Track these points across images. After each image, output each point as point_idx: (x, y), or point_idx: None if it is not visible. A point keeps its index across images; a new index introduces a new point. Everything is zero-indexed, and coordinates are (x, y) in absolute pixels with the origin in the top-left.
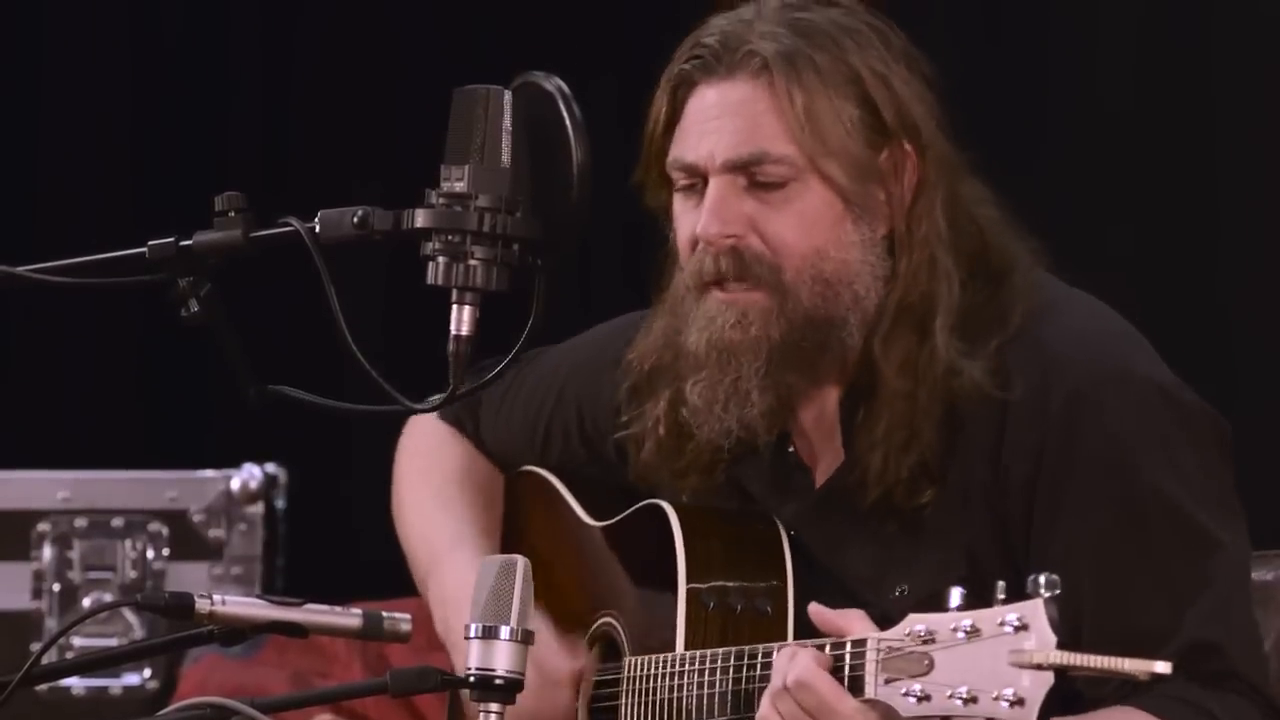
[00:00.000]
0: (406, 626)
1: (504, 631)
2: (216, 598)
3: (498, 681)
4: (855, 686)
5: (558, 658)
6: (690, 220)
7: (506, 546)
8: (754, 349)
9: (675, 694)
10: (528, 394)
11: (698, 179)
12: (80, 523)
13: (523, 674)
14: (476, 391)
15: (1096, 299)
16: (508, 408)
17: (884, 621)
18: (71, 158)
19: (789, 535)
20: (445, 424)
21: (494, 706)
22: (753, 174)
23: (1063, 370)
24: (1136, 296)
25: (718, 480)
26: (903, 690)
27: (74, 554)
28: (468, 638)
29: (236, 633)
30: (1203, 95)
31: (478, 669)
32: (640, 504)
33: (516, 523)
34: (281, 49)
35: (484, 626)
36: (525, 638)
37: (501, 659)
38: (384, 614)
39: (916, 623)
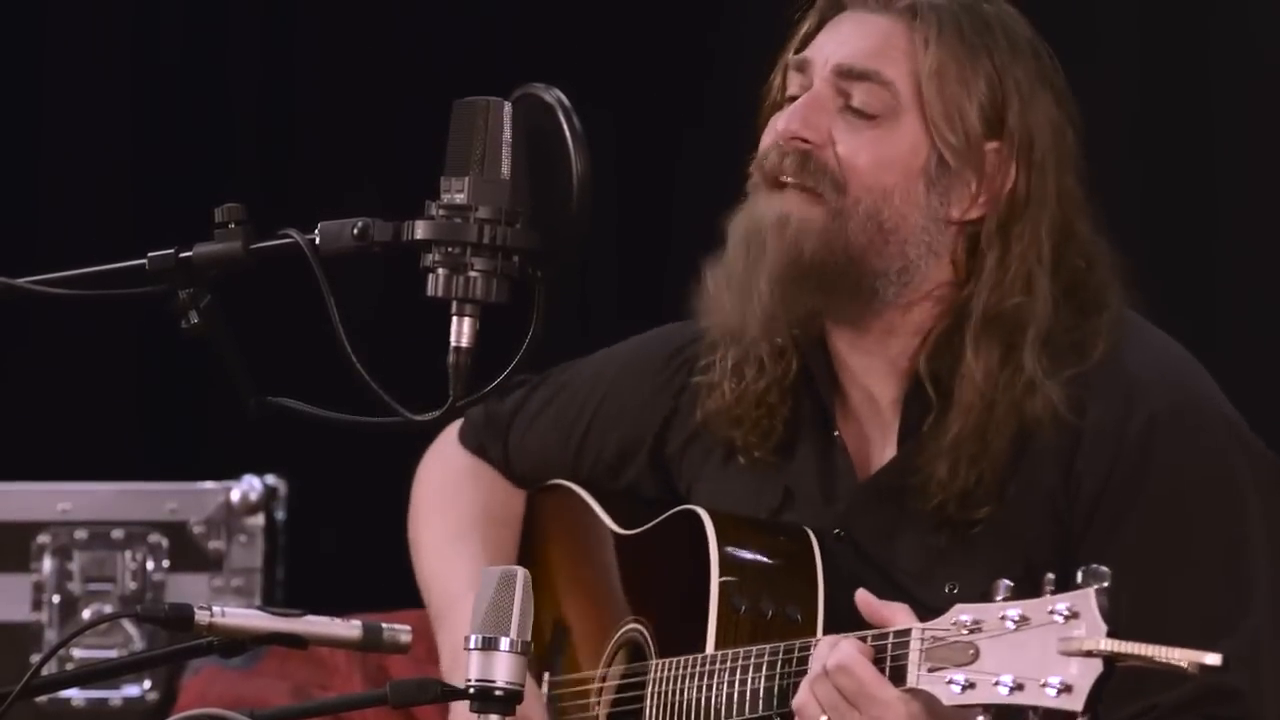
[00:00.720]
0: (406, 638)
1: (504, 643)
2: (216, 609)
3: (498, 693)
4: (897, 676)
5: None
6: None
7: (529, 561)
8: (782, 252)
9: (703, 694)
10: (565, 402)
11: (804, 86)
12: (80, 534)
13: (522, 685)
14: (476, 403)
15: (1171, 338)
16: (541, 420)
17: (930, 616)
18: (71, 169)
19: (835, 532)
20: (468, 451)
21: (494, 718)
22: (851, 95)
23: (1144, 394)
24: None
25: (772, 442)
26: (946, 679)
27: (74, 565)
28: (467, 649)
29: (236, 644)
30: (1202, 114)
31: (477, 680)
32: (674, 510)
33: (539, 538)
34: (281, 61)
35: (484, 638)
36: (524, 649)
37: (501, 670)
38: (384, 625)
39: (962, 612)
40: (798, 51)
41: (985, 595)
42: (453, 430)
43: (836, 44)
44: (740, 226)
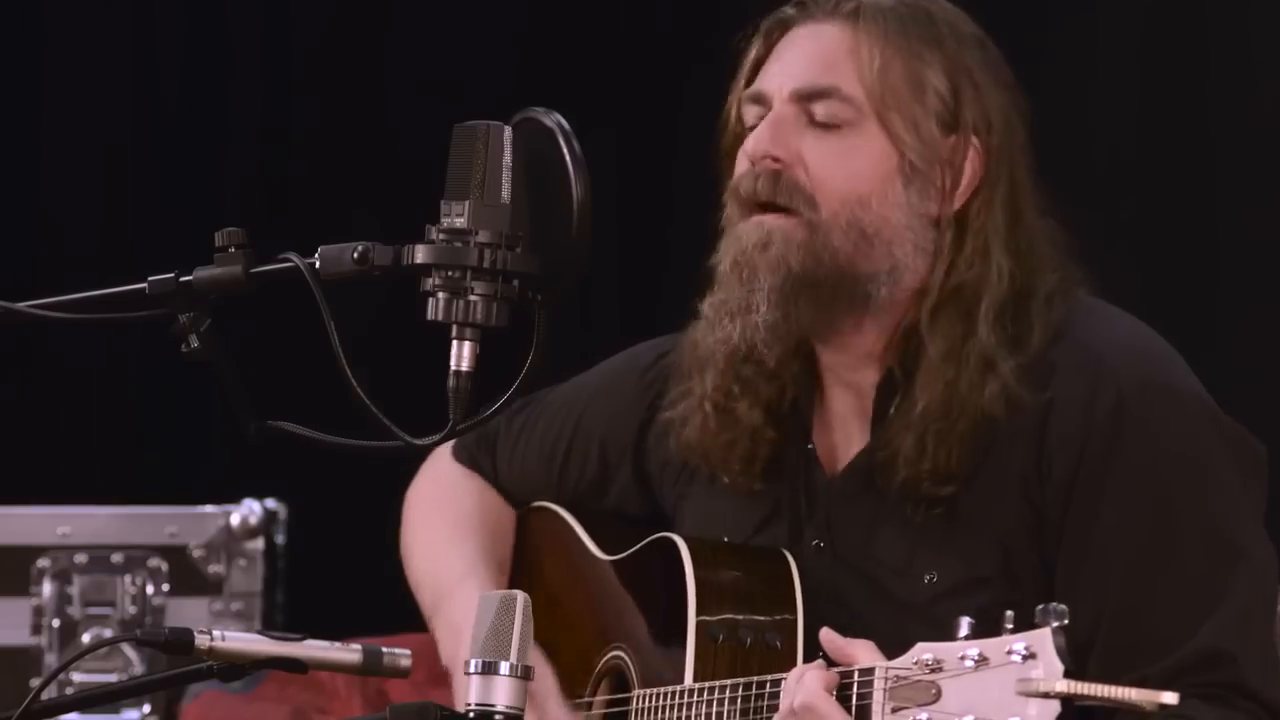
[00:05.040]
0: (406, 662)
1: (504, 667)
2: (216, 633)
3: (497, 717)
4: (863, 716)
5: (562, 695)
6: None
7: (516, 582)
8: (771, 268)
9: None
10: (546, 423)
11: (761, 115)
12: (80, 558)
13: (522, 709)
14: (476, 426)
15: (1137, 319)
16: (525, 438)
17: (911, 615)
18: (71, 193)
19: (815, 544)
20: (460, 465)
21: None
22: (813, 111)
23: (1112, 374)
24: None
25: (756, 469)
26: (910, 719)
27: (74, 589)
28: (467, 673)
29: (236, 668)
30: (1201, 136)
31: (477, 705)
32: (651, 537)
33: (527, 559)
34: (282, 84)
35: (484, 662)
36: (525, 673)
37: (501, 694)
38: (384, 649)
39: (924, 651)
40: (750, 81)
41: (968, 591)
42: (445, 447)
43: (789, 70)
44: (727, 256)
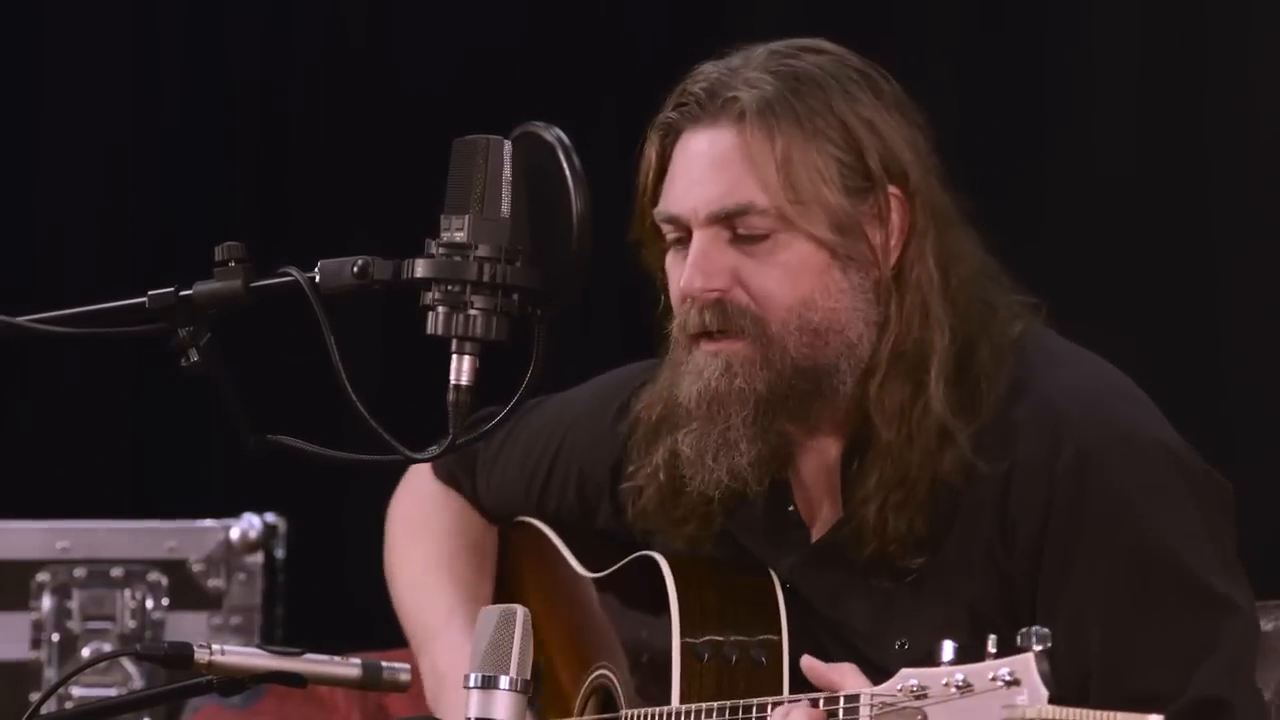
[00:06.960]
0: (405, 676)
1: (503, 681)
2: (216, 647)
3: None
4: None
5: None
6: (679, 274)
7: (500, 599)
8: (741, 399)
9: None
10: (525, 447)
11: (684, 232)
12: (79, 572)
13: None
14: (476, 441)
15: (1095, 354)
16: (504, 460)
17: (882, 675)
18: (71, 207)
19: (785, 586)
20: (439, 482)
21: None
22: (735, 226)
23: (1070, 428)
24: (1135, 345)
25: (714, 531)
26: None
27: (73, 604)
28: (467, 687)
29: (236, 682)
30: (1200, 158)
31: (477, 718)
32: (633, 555)
33: (511, 575)
34: (282, 98)
35: (483, 676)
36: (524, 687)
37: (501, 708)
38: (383, 664)
39: (909, 677)
40: (654, 188)
41: (932, 656)
42: (424, 465)
43: (697, 192)
44: (691, 389)
